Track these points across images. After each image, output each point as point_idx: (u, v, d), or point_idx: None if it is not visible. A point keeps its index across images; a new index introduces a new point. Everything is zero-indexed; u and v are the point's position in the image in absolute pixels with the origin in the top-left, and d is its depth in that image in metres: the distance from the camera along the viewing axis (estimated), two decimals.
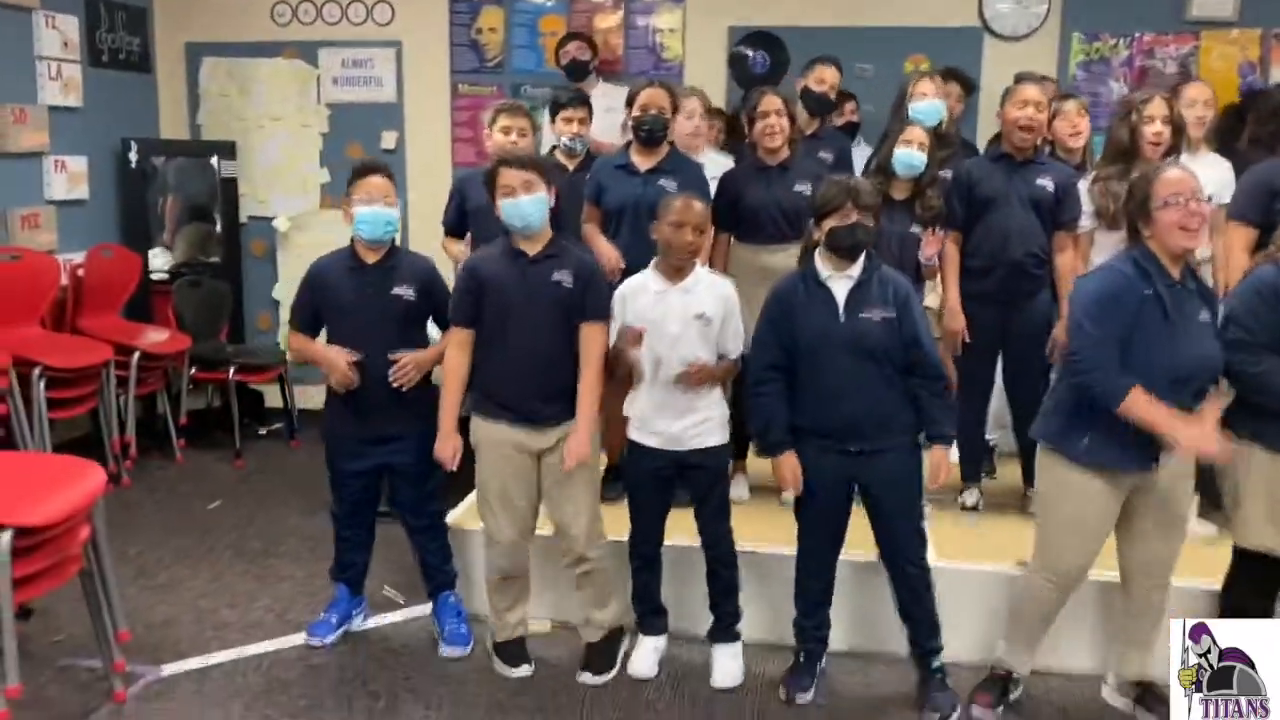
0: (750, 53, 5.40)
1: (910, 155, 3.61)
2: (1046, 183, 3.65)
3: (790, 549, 3.18)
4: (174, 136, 5.98)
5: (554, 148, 3.97)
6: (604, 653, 3.27)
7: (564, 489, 3.14)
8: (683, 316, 3.09)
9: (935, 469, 2.99)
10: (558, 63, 5.00)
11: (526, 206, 3.02)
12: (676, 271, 3.12)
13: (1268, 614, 2.94)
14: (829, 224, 2.92)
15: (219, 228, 5.96)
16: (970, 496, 3.86)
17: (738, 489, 3.86)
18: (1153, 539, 2.91)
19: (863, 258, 2.98)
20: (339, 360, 3.24)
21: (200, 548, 4.21)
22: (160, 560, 4.07)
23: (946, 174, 3.82)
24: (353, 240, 3.29)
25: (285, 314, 6.10)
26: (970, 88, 4.90)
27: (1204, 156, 3.88)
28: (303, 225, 5.99)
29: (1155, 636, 3.03)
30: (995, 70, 5.05)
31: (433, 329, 3.43)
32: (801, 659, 3.18)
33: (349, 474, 3.37)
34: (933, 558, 3.24)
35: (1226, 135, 4.24)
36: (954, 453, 3.16)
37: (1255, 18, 5.03)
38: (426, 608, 3.55)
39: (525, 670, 3.25)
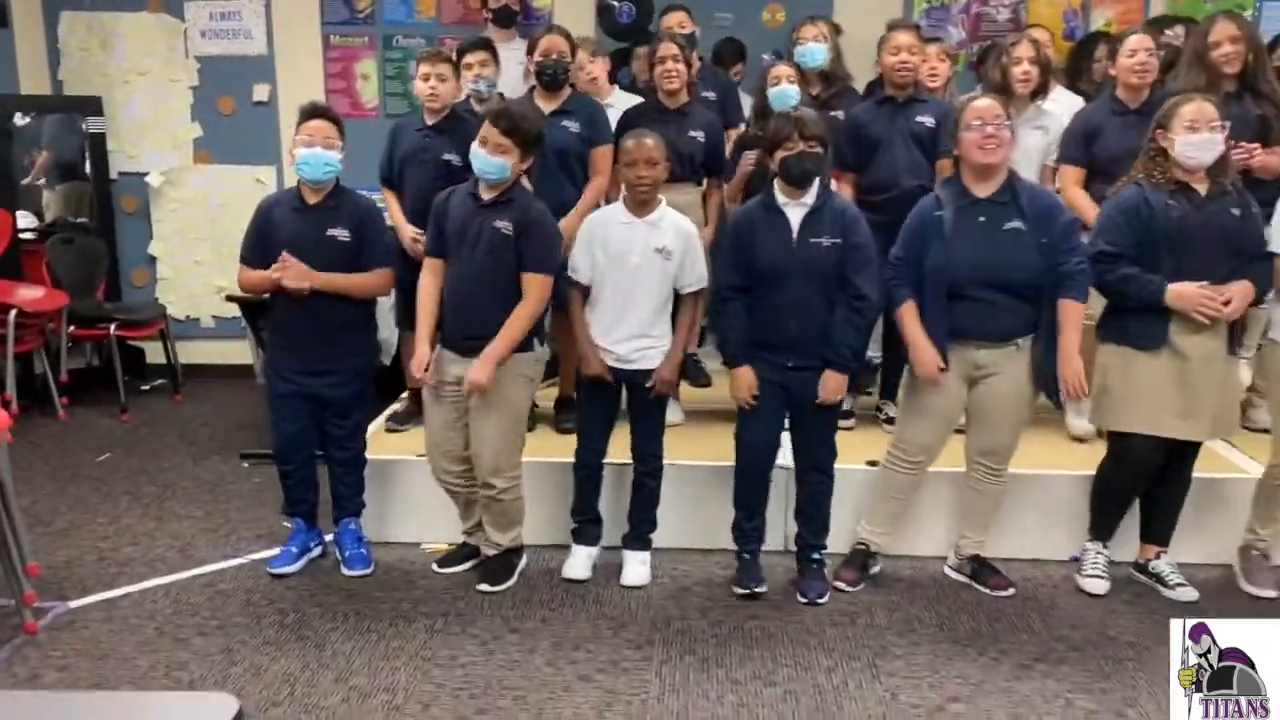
0: (617, 4, 5.60)
1: (783, 91, 3.90)
2: (927, 119, 3.94)
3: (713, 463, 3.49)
4: (35, 93, 5.86)
5: (468, 95, 4.12)
6: (502, 565, 3.51)
7: (476, 418, 3.33)
8: (645, 249, 3.33)
9: (827, 390, 3.25)
10: (484, 6, 5.08)
11: (491, 164, 3.19)
12: (641, 206, 3.35)
13: (1134, 492, 3.43)
14: (779, 155, 3.18)
15: (90, 185, 5.90)
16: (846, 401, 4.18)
17: (673, 414, 4.10)
18: (986, 427, 3.32)
19: (816, 186, 3.24)
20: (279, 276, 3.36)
21: (95, 495, 4.28)
22: (55, 508, 4.13)
23: (839, 114, 4.10)
24: (299, 180, 3.43)
25: (162, 270, 6.10)
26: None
27: (1054, 94, 4.22)
28: (176, 180, 5.97)
29: (991, 519, 3.48)
30: (846, 16, 5.34)
31: None
32: (747, 557, 3.48)
33: (285, 399, 3.50)
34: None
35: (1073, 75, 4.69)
36: None
37: None
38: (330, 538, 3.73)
39: (508, 583, 3.48)
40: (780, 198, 3.23)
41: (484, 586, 3.46)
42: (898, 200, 3.78)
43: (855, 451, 3.68)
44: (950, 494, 3.61)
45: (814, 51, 4.20)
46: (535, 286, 3.24)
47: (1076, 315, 3.15)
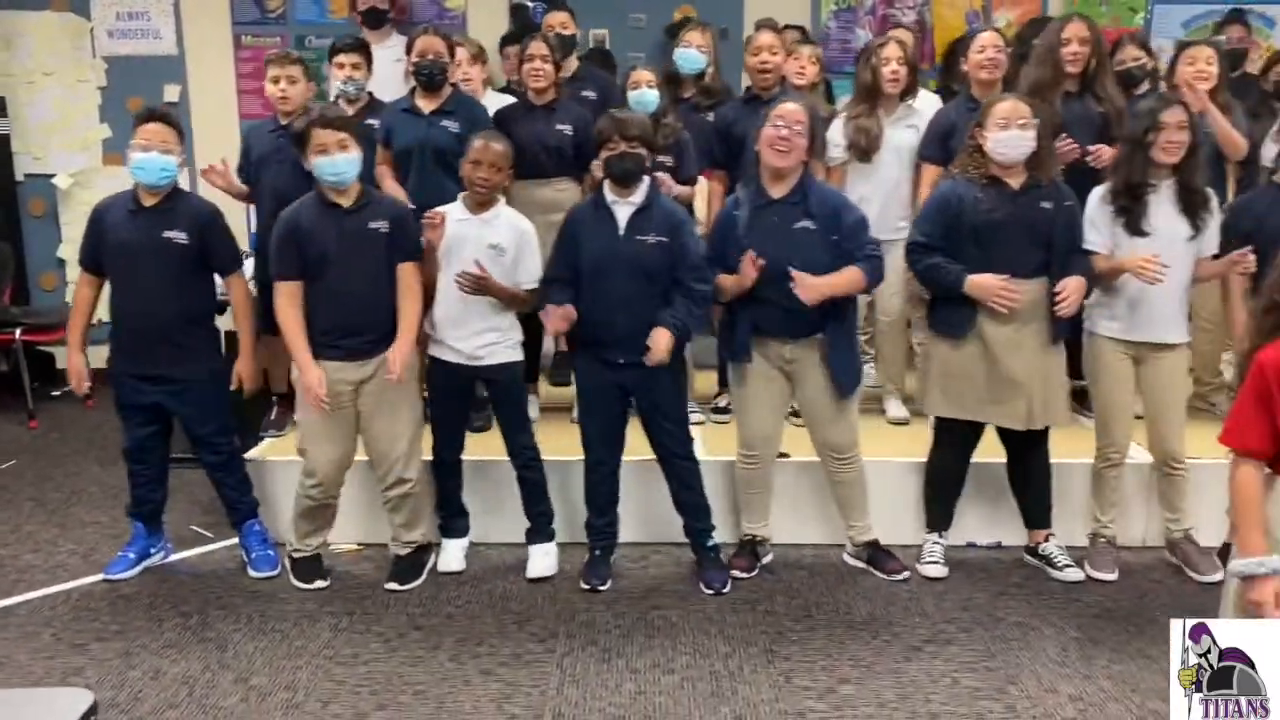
0: (530, 3, 5.64)
1: (642, 95, 3.97)
2: None
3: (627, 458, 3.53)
4: None
5: (337, 96, 4.12)
6: (411, 565, 3.53)
7: (385, 415, 3.37)
8: (478, 245, 3.37)
9: (655, 346, 3.22)
10: (354, 9, 5.09)
11: (342, 164, 3.23)
12: (479, 205, 3.41)
13: (961, 471, 3.56)
14: (603, 154, 3.27)
15: None
16: (724, 400, 4.26)
17: (530, 408, 4.21)
18: (814, 423, 3.44)
19: (645, 185, 3.32)
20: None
21: None
22: None
23: (709, 117, 4.20)
24: (135, 184, 3.38)
25: (72, 274, 5.98)
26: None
27: (926, 95, 4.39)
28: (85, 182, 5.86)
29: (866, 504, 3.58)
30: (755, 17, 5.41)
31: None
32: (597, 554, 3.54)
33: (131, 409, 3.47)
34: (701, 453, 3.67)
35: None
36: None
37: None
38: (234, 540, 3.70)
39: (320, 584, 3.47)
40: (609, 196, 3.31)
41: (393, 585, 3.48)
42: None
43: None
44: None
45: (692, 57, 4.25)
46: (415, 271, 3.33)
47: (853, 274, 3.23)
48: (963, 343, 3.34)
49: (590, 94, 4.45)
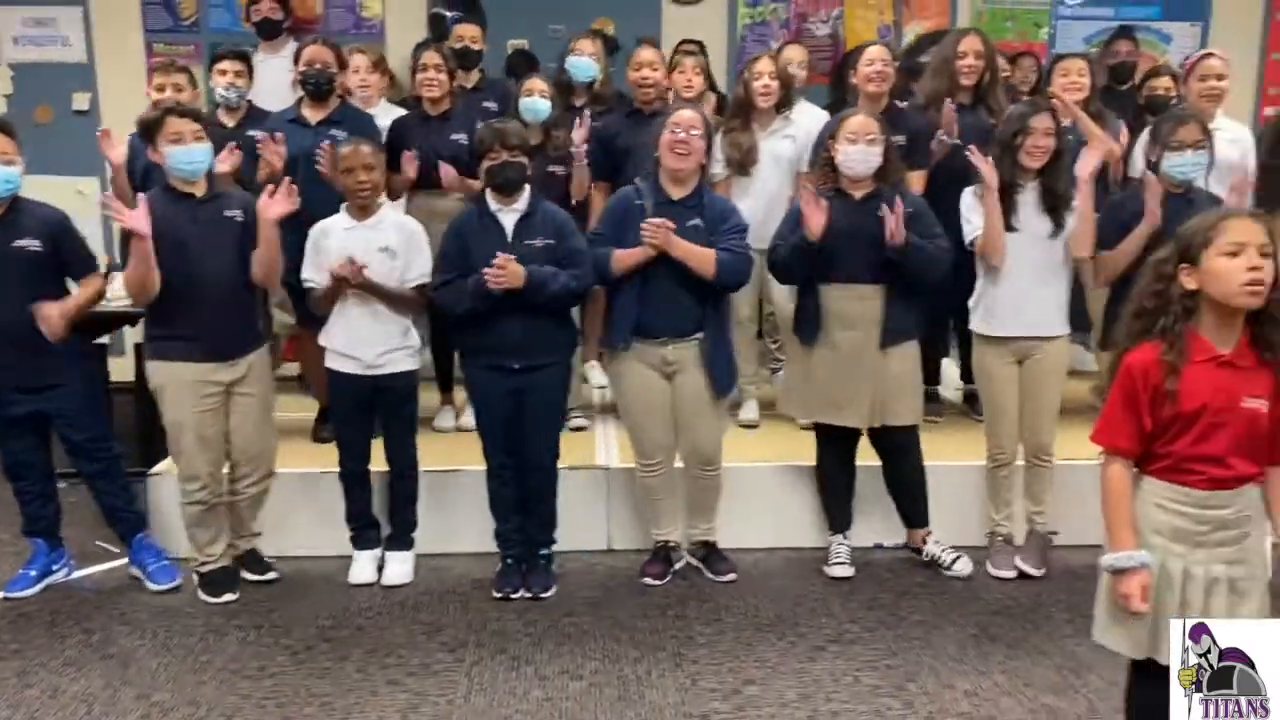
0: (448, 13, 5.63)
1: (534, 103, 4.01)
2: None
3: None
4: None
5: (218, 104, 4.11)
6: (224, 578, 3.48)
7: (248, 416, 3.40)
8: (368, 250, 3.39)
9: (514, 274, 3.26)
10: (248, 20, 5.06)
11: (198, 154, 3.23)
12: (361, 210, 3.43)
13: (846, 472, 3.66)
14: (484, 164, 3.31)
15: None
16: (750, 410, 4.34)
17: (445, 419, 4.22)
18: (685, 427, 3.50)
19: (527, 193, 3.36)
20: None
21: None
22: None
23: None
24: None
25: None
26: (614, 48, 5.28)
27: (804, 107, 4.47)
28: None
29: (716, 508, 3.66)
30: (674, 32, 5.53)
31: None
32: (509, 562, 3.54)
33: (6, 422, 3.40)
34: (616, 459, 3.78)
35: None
36: None
37: None
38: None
39: (230, 597, 3.44)
40: (493, 204, 3.34)
41: (203, 596, 3.44)
42: None
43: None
44: (768, 487, 3.80)
45: (584, 65, 4.31)
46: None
47: (707, 253, 3.31)
48: (814, 348, 3.46)
49: (490, 104, 4.51)
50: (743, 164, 4.04)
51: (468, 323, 3.36)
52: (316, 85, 3.89)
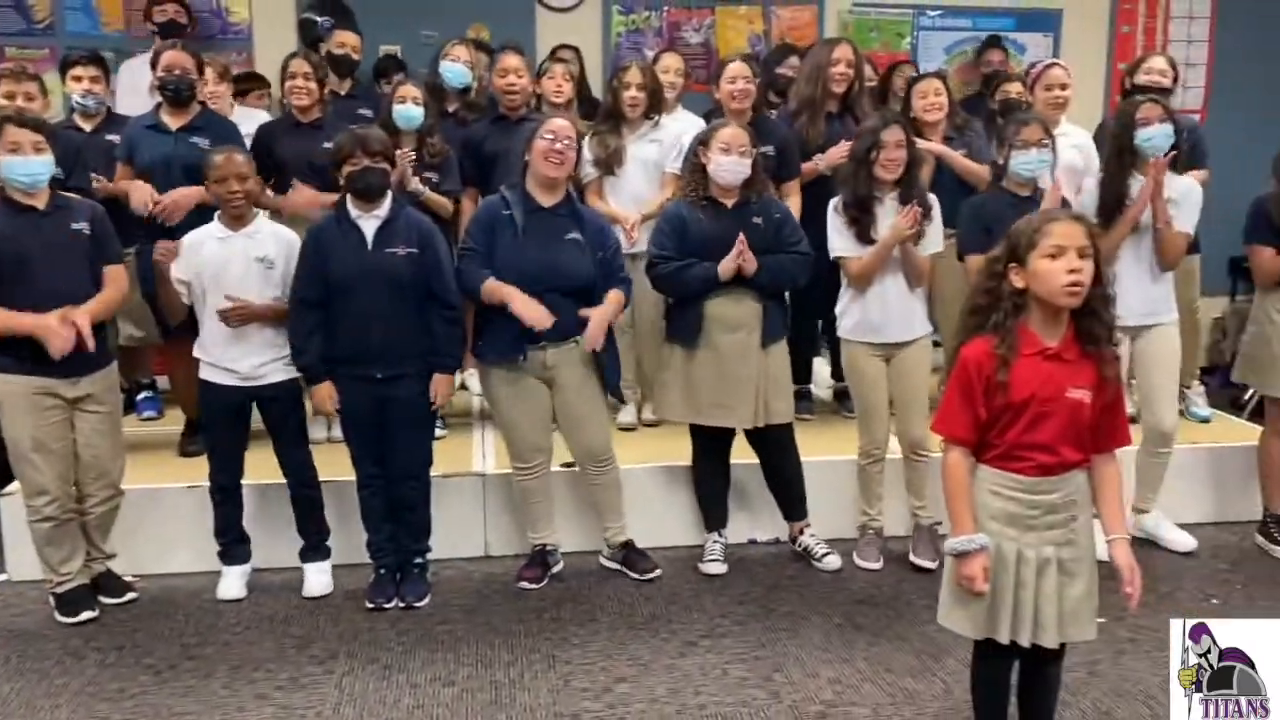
0: (318, 18, 5.56)
1: (406, 110, 3.99)
2: None
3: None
4: None
5: (74, 111, 4.00)
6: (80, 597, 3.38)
7: (99, 432, 3.30)
8: (245, 260, 3.33)
9: (439, 393, 3.40)
10: (149, 19, 4.91)
11: (36, 166, 3.12)
12: (236, 220, 3.37)
13: (723, 471, 3.74)
14: (345, 170, 3.28)
15: None
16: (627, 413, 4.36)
17: (317, 430, 4.15)
18: (574, 427, 3.55)
19: (389, 199, 3.35)
20: None
21: None
22: None
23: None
24: None
25: None
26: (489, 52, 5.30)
27: (676, 114, 4.57)
28: None
29: (621, 506, 3.71)
30: (548, 38, 5.56)
31: None
32: (382, 572, 3.51)
33: None
34: (492, 465, 3.78)
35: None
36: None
37: None
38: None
39: (89, 615, 3.34)
40: (353, 211, 3.32)
41: (59, 617, 3.35)
42: None
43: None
44: (643, 488, 3.85)
45: (457, 71, 4.34)
46: (119, 276, 3.29)
47: (618, 297, 3.46)
48: (695, 350, 3.52)
49: (365, 111, 4.48)
50: (609, 165, 4.10)
51: (330, 334, 3.32)
52: (176, 91, 3.82)
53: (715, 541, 3.75)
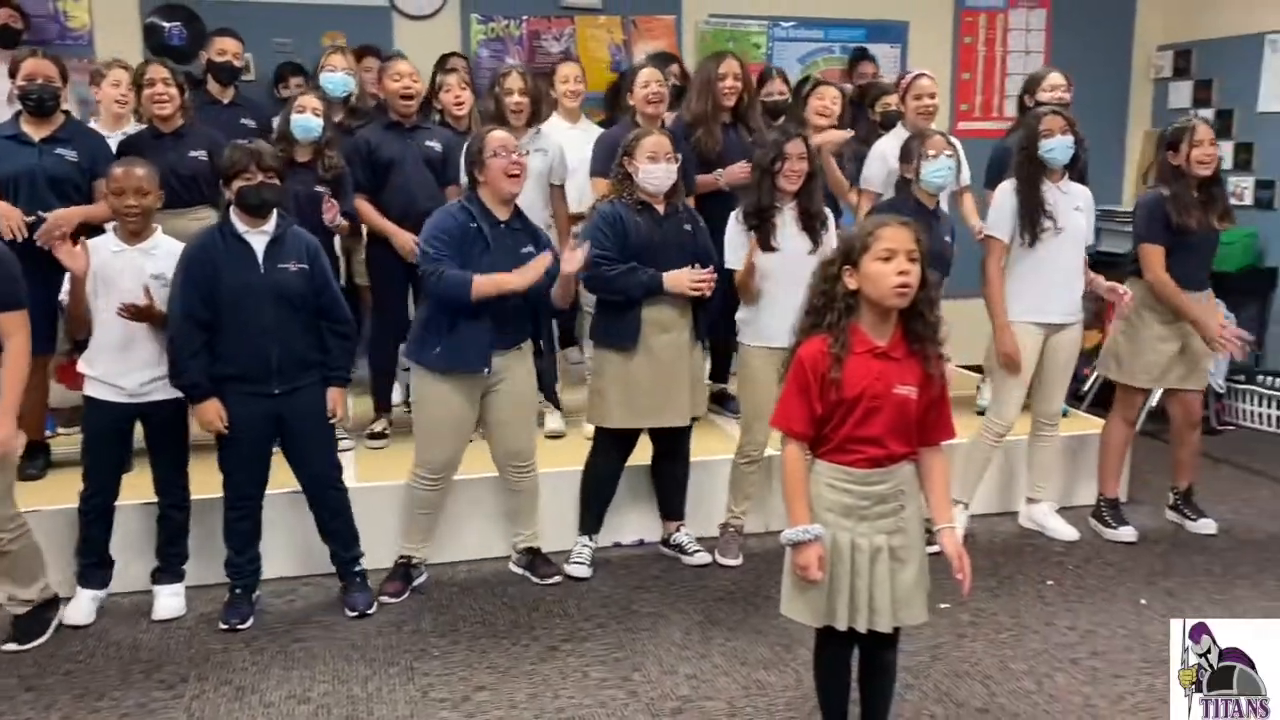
0: (166, 24, 5.41)
1: (306, 120, 3.95)
2: (435, 144, 4.18)
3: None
4: None
5: None
6: (33, 622, 3.27)
7: None
8: (138, 276, 3.23)
9: (334, 404, 3.38)
10: None
11: None
12: (132, 234, 3.27)
13: (613, 482, 3.78)
14: (237, 184, 3.20)
15: None
16: (380, 425, 4.31)
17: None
18: (509, 432, 3.56)
19: (275, 215, 3.29)
20: None
21: None
22: None
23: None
24: None
25: None
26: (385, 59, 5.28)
27: (581, 123, 4.64)
28: None
29: (535, 508, 3.73)
30: (406, 46, 5.51)
31: None
32: (238, 592, 3.44)
33: None
34: (353, 479, 3.70)
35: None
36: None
37: (618, 6, 5.98)
38: None
39: None
40: (240, 226, 3.26)
41: (10, 646, 3.22)
42: (416, 224, 3.96)
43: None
44: (496, 498, 3.82)
45: (338, 80, 4.33)
46: (13, 324, 3.02)
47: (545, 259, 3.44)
48: (632, 353, 3.56)
49: (249, 121, 4.41)
50: None
51: (218, 351, 3.24)
52: (40, 101, 3.65)
53: (585, 545, 3.79)
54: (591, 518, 3.82)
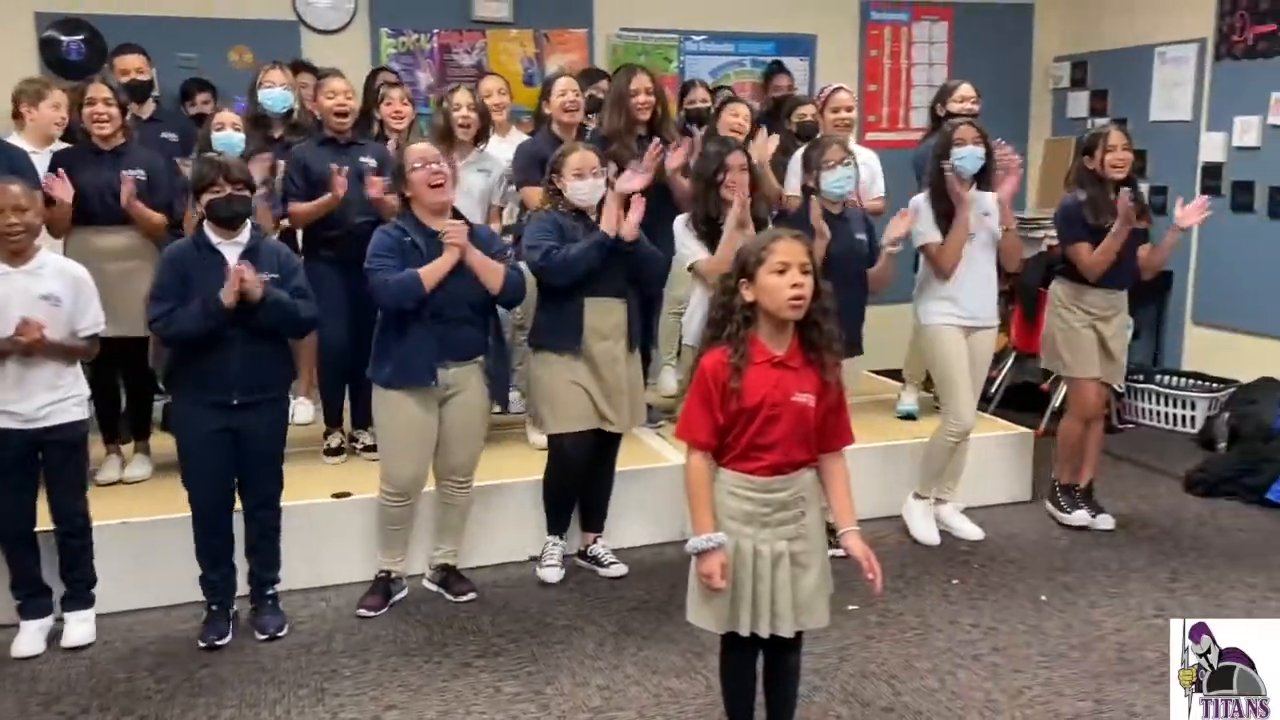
0: (64, 39, 5.28)
1: (227, 137, 3.92)
2: (370, 160, 4.14)
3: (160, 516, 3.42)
4: None
5: None
6: None
7: None
8: (27, 298, 3.15)
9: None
10: None
11: None
12: (15, 255, 3.18)
13: (575, 485, 3.80)
14: (206, 198, 3.19)
15: None
16: (334, 440, 4.29)
17: (140, 468, 4.05)
18: (455, 445, 3.56)
19: (249, 227, 3.29)
20: None
21: None
22: None
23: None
24: None
25: None
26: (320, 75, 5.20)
27: (511, 135, 4.65)
28: None
29: (463, 526, 3.74)
30: (315, 61, 5.44)
31: None
32: (215, 609, 3.40)
33: None
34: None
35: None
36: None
37: (528, 20, 6.00)
38: None
39: None
40: (213, 238, 3.25)
41: None
42: (348, 238, 3.94)
43: None
44: (420, 514, 3.79)
45: (276, 96, 4.30)
46: None
47: (497, 266, 3.43)
48: (577, 355, 3.59)
49: (170, 135, 4.38)
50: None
51: (187, 357, 3.23)
52: None
53: (555, 545, 3.83)
54: (559, 519, 3.84)
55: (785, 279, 2.35)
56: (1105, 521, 4.27)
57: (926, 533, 4.15)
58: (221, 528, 3.39)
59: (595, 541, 3.91)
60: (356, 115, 4.31)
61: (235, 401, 3.26)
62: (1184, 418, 5.66)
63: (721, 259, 3.69)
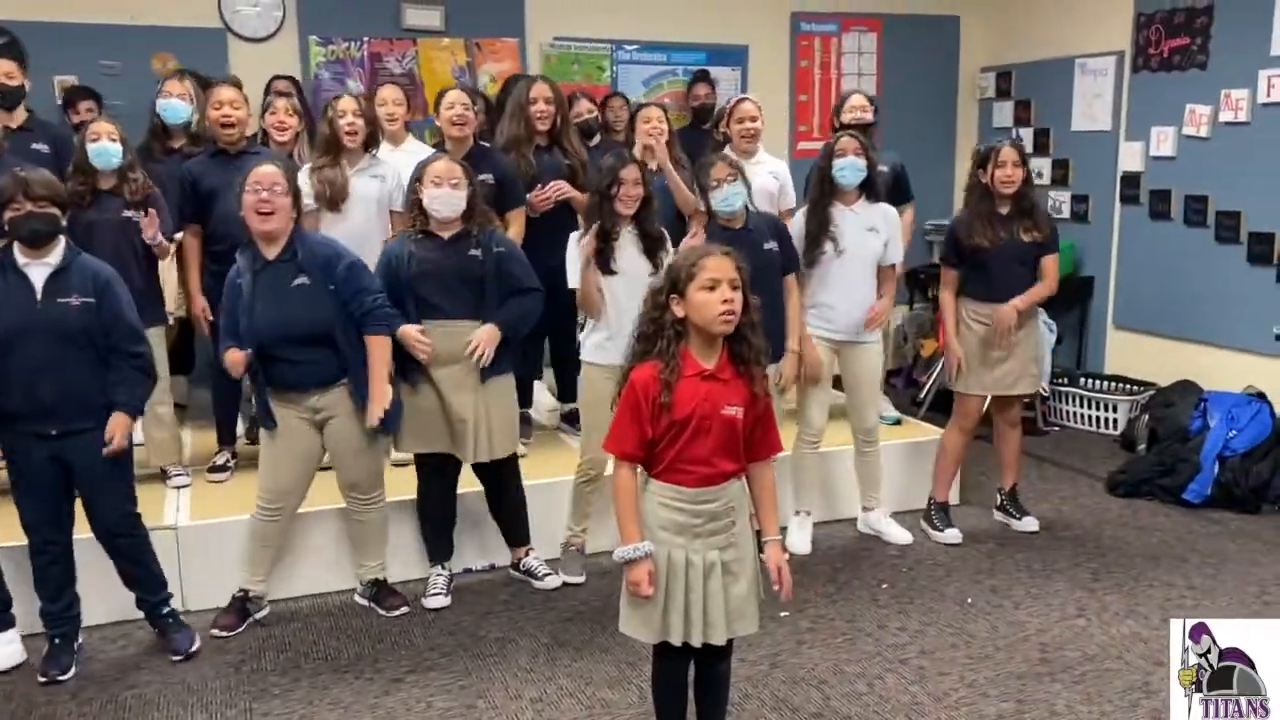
0: None
1: (103, 148, 3.77)
2: None
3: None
4: None
5: None
6: None
7: None
8: None
9: (112, 431, 3.15)
10: None
11: None
12: None
13: (449, 501, 3.76)
14: (6, 215, 3.06)
15: None
16: (221, 458, 4.20)
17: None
18: (342, 464, 3.54)
19: (62, 246, 3.14)
20: None
21: None
22: None
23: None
24: None
25: None
26: (206, 85, 5.14)
27: (406, 145, 4.61)
28: None
29: (383, 541, 3.71)
30: (243, 69, 5.38)
31: None
32: (57, 642, 3.28)
33: None
34: (186, 518, 3.62)
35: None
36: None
37: (460, 29, 5.97)
38: None
39: None
40: (20, 258, 3.12)
41: None
42: (233, 251, 3.88)
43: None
44: (340, 531, 3.77)
45: (174, 107, 4.24)
46: None
47: (382, 349, 3.43)
48: (416, 382, 3.55)
49: (41, 146, 4.20)
50: (333, 200, 4.00)
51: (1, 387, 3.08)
52: None
53: (440, 574, 3.77)
54: (437, 546, 3.80)
55: (716, 295, 2.38)
56: (1030, 524, 4.37)
57: (800, 543, 4.14)
58: (60, 557, 3.26)
59: (528, 554, 3.90)
60: (246, 125, 4.21)
61: (53, 431, 3.13)
62: (1106, 420, 5.82)
63: (685, 199, 3.96)
